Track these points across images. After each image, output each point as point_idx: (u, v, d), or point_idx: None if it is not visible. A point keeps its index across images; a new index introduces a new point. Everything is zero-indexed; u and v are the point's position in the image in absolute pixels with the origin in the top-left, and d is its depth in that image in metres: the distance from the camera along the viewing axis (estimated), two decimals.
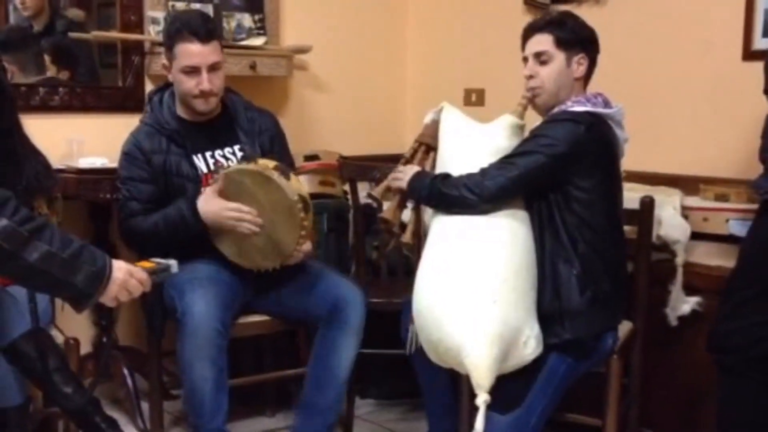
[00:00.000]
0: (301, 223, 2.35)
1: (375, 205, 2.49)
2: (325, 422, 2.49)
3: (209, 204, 2.37)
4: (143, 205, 2.47)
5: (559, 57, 2.20)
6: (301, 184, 2.50)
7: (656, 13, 3.04)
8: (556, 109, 2.20)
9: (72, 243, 1.66)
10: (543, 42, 2.21)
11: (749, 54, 2.79)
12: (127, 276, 1.72)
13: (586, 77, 2.24)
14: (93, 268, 1.67)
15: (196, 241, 2.42)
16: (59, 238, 1.65)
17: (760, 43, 2.76)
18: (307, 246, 2.44)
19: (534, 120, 2.26)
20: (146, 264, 1.84)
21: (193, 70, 2.44)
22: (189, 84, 2.46)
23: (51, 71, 3.10)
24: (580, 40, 2.21)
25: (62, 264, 1.63)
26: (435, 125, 2.30)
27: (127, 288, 1.72)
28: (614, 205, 2.21)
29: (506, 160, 2.12)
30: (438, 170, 2.25)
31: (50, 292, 1.75)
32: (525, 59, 2.25)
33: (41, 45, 3.08)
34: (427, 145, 2.33)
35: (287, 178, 2.37)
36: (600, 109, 2.16)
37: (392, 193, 2.31)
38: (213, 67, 2.45)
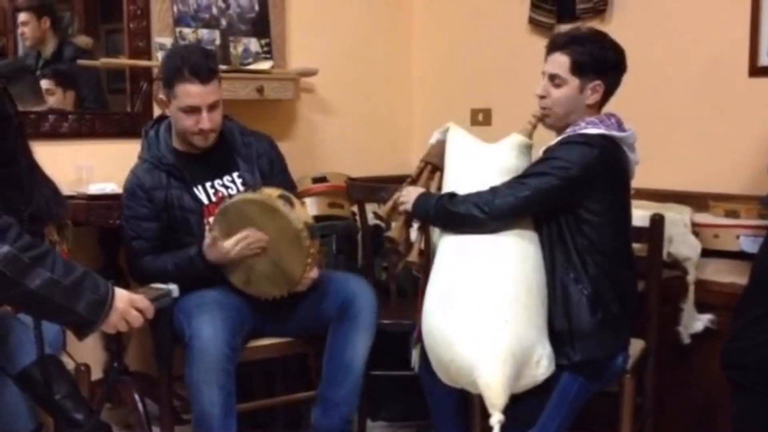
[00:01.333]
0: (308, 250, 2.36)
1: (384, 225, 2.49)
2: (341, 415, 2.49)
3: (214, 255, 2.39)
4: (150, 243, 2.49)
5: (572, 83, 2.15)
6: (306, 211, 2.51)
7: (662, 30, 3.05)
8: (569, 130, 2.17)
9: (74, 270, 1.66)
10: (560, 64, 2.16)
11: (756, 70, 2.79)
12: (127, 307, 1.72)
13: (601, 102, 2.19)
14: (95, 295, 1.67)
15: (207, 280, 2.44)
16: (62, 265, 1.65)
17: (766, 59, 2.76)
18: (314, 273, 2.44)
19: (544, 135, 2.25)
20: (147, 290, 1.84)
21: (192, 110, 2.44)
22: (188, 122, 2.46)
23: (57, 97, 3.12)
24: (599, 67, 2.15)
25: (64, 291, 1.63)
26: (441, 145, 2.31)
27: (126, 318, 1.72)
28: (624, 228, 2.20)
29: (518, 180, 2.11)
30: (444, 190, 2.25)
31: (52, 319, 1.76)
32: (543, 73, 2.21)
33: (48, 71, 3.11)
34: (433, 165, 2.33)
35: (292, 206, 2.38)
36: (614, 132, 2.13)
37: (398, 213, 2.31)
38: (212, 106, 2.45)
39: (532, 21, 3.42)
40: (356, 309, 2.46)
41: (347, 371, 2.46)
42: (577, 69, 2.14)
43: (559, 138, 2.18)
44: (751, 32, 2.80)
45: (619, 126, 2.18)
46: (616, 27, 3.17)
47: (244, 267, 2.42)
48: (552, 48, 2.20)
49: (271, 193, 2.40)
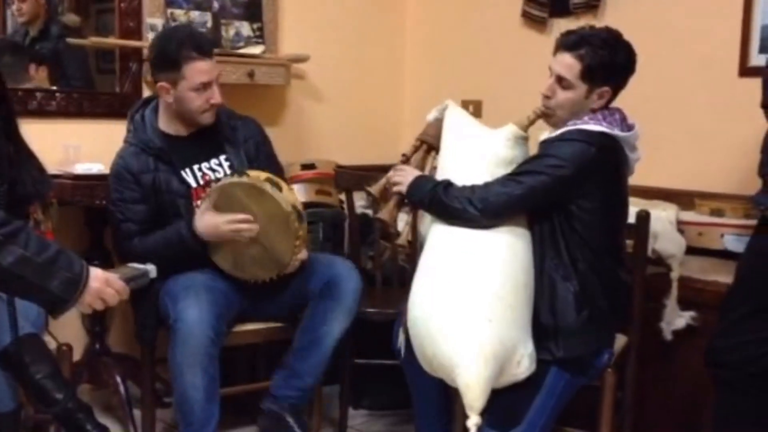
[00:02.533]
0: (296, 233, 2.35)
1: (371, 212, 2.46)
2: (302, 387, 2.47)
3: (204, 223, 2.38)
4: (139, 225, 2.47)
5: (580, 89, 2.10)
6: (294, 194, 2.51)
7: (653, 28, 3.05)
8: (570, 124, 2.13)
9: (48, 248, 1.64)
10: (569, 67, 2.09)
11: (746, 70, 2.80)
12: (102, 285, 1.70)
13: (606, 105, 2.16)
14: (69, 274, 1.65)
15: (195, 258, 2.43)
16: (35, 242, 1.63)
17: (756, 59, 2.77)
18: (303, 254, 2.44)
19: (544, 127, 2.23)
20: (123, 270, 1.83)
21: (205, 87, 2.44)
22: (199, 100, 2.45)
23: (43, 77, 3.08)
24: (609, 73, 2.10)
25: (37, 269, 1.62)
26: (438, 124, 2.27)
27: (101, 297, 1.71)
28: (616, 226, 2.19)
29: (511, 177, 2.09)
30: (438, 170, 2.23)
31: (25, 297, 1.74)
32: (550, 71, 2.15)
33: (35, 49, 3.08)
34: (429, 144, 2.31)
35: (279, 189, 2.37)
36: (616, 132, 2.10)
37: (390, 193, 2.28)
38: (218, 80, 2.48)
39: (525, 14, 3.41)
40: (340, 290, 2.46)
41: (318, 346, 2.45)
42: (586, 75, 2.09)
43: (559, 132, 2.15)
44: (742, 32, 2.80)
45: (623, 122, 2.15)
46: (608, 23, 3.10)
47: (231, 250, 2.41)
48: (562, 47, 2.13)
49: (259, 175, 2.40)
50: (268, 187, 2.34)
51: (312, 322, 2.47)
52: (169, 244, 2.41)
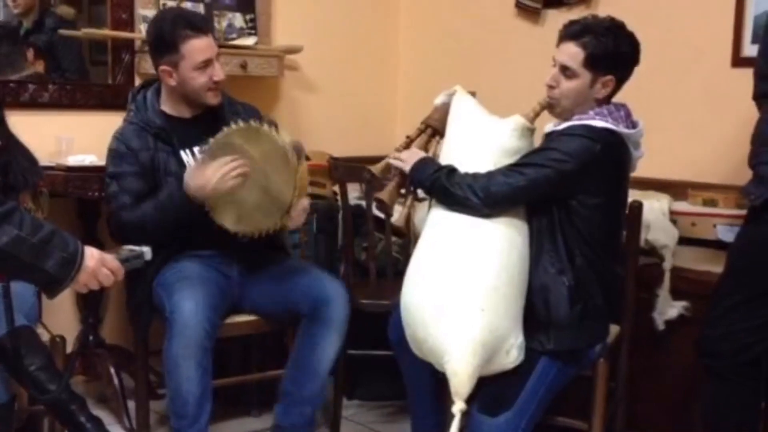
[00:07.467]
0: (296, 170, 2.29)
1: (369, 177, 2.41)
2: (303, 413, 2.46)
3: (194, 183, 2.32)
4: (134, 198, 2.42)
5: (584, 76, 2.10)
6: (291, 137, 2.43)
7: (646, 19, 3.03)
8: (575, 118, 2.12)
9: (43, 228, 1.64)
10: (573, 55, 2.09)
11: (738, 60, 2.80)
12: (98, 265, 1.70)
13: (610, 95, 2.15)
14: (64, 253, 1.65)
15: (189, 226, 2.39)
16: (30, 222, 1.63)
17: (749, 49, 2.77)
18: (305, 201, 2.42)
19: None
20: (119, 250, 1.82)
21: (206, 64, 2.43)
22: (203, 79, 2.44)
23: (40, 67, 3.08)
24: (612, 62, 2.09)
25: (32, 248, 1.61)
26: (445, 108, 2.26)
27: (97, 277, 1.71)
28: (616, 223, 2.20)
29: (515, 168, 2.09)
30: (442, 156, 2.22)
31: (21, 277, 1.74)
32: (554, 61, 2.15)
33: (29, 41, 3.07)
34: (434, 128, 2.30)
35: (276, 129, 2.35)
36: (621, 128, 2.10)
37: (392, 174, 2.27)
38: (218, 57, 2.48)
39: (518, 5, 3.41)
40: (329, 312, 2.42)
41: (313, 374, 2.43)
42: (590, 63, 2.09)
43: (564, 126, 2.14)
44: (735, 22, 2.81)
45: (628, 118, 2.15)
46: (601, 14, 3.15)
47: (232, 203, 2.34)
48: (565, 36, 2.13)
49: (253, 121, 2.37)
50: (264, 127, 2.32)
51: (304, 348, 2.44)
52: (159, 206, 2.36)
